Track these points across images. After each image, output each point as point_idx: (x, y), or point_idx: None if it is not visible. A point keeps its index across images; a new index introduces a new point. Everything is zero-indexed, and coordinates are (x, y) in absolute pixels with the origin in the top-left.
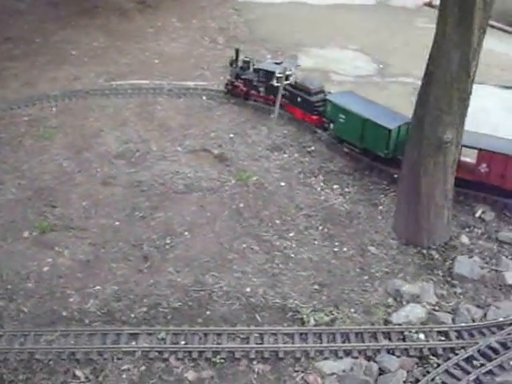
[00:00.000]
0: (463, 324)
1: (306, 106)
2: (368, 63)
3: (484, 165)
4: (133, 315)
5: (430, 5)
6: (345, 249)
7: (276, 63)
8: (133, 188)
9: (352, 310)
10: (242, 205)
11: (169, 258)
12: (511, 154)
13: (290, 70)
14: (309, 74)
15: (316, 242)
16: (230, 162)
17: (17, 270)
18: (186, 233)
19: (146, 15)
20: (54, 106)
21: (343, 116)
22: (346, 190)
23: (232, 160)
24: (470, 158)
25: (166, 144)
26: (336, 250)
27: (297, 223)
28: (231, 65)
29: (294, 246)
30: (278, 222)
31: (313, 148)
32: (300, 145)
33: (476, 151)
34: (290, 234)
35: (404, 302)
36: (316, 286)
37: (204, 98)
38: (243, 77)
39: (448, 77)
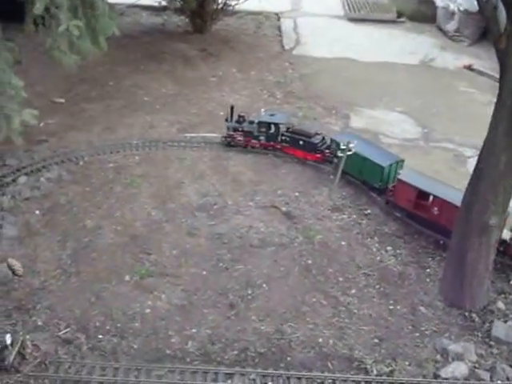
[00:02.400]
0: (499, 382)
1: (308, 148)
2: (413, 127)
3: (436, 208)
4: (226, 357)
5: (469, 68)
6: (398, 307)
7: (271, 115)
8: (215, 240)
9: (407, 363)
10: (309, 261)
11: (252, 308)
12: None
13: (283, 121)
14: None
15: (374, 300)
16: (296, 220)
17: (124, 311)
18: (264, 285)
19: (208, 63)
20: (137, 155)
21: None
22: (398, 251)
23: (298, 218)
24: None
25: (240, 198)
26: (391, 307)
27: (357, 281)
28: (227, 120)
29: (356, 302)
30: (341, 279)
31: (369, 211)
32: (357, 207)
33: None
34: (352, 291)
35: (450, 359)
36: (376, 340)
37: (269, 155)
38: (242, 129)
39: (496, 175)
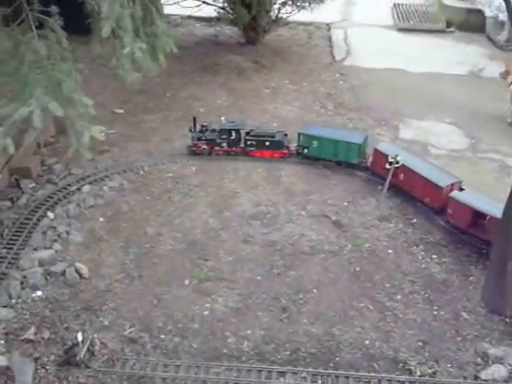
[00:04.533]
0: None
1: (274, 146)
2: (461, 137)
3: (402, 175)
4: (279, 356)
5: None
6: (442, 312)
7: (230, 122)
8: (268, 247)
9: (449, 365)
10: (358, 268)
11: (303, 311)
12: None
13: (242, 128)
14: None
15: (419, 305)
16: (345, 229)
17: (184, 312)
18: (315, 290)
19: (261, 75)
20: (193, 165)
21: (316, 142)
22: (443, 260)
23: (347, 227)
24: None
25: (292, 208)
26: (435, 313)
27: (403, 287)
28: (190, 131)
29: (401, 307)
30: (387, 285)
31: (415, 220)
32: (404, 217)
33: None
34: (398, 297)
35: (490, 362)
36: (420, 343)
37: (320, 166)
38: (205, 138)
39: None
